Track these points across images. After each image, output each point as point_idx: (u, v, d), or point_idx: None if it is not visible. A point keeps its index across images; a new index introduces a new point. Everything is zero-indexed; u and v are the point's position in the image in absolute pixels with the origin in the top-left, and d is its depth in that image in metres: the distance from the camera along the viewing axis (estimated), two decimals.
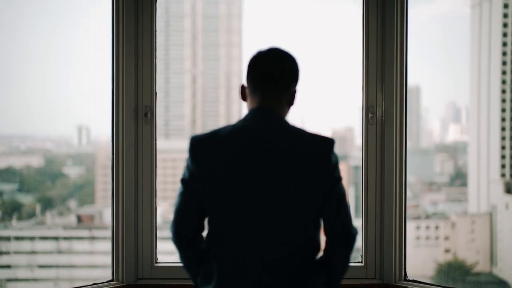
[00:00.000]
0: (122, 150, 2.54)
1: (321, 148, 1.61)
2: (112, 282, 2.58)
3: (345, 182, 1.65)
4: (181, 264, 1.76)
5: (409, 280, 2.59)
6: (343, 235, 1.64)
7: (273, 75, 1.66)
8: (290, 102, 1.72)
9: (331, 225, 1.63)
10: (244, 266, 1.58)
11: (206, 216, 1.66)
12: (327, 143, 1.62)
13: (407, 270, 2.59)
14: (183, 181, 1.65)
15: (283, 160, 1.57)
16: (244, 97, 1.74)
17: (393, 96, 2.55)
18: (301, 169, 1.57)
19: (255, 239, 1.58)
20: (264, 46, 1.78)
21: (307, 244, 1.62)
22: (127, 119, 2.54)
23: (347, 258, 1.68)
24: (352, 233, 1.66)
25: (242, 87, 1.72)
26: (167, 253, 2.65)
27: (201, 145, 1.63)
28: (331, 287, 1.66)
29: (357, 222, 2.67)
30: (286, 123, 1.66)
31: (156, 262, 2.62)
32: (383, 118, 2.57)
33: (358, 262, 2.63)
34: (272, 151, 1.58)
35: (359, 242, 2.51)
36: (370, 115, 2.56)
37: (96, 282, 2.57)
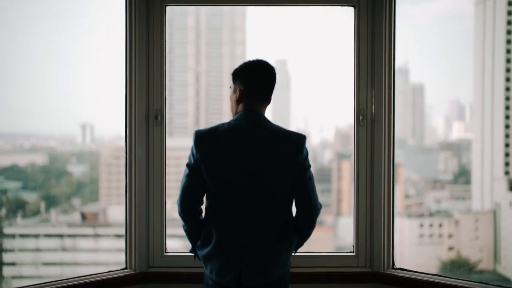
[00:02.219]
0: (134, 150, 2.69)
1: (295, 142, 2.01)
2: (125, 270, 2.75)
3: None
4: (184, 233, 2.12)
5: (396, 268, 2.76)
6: (310, 209, 2.06)
7: (260, 85, 2.06)
8: (268, 104, 2.11)
9: (301, 200, 2.05)
10: (238, 229, 1.97)
11: (205, 192, 2.04)
12: (300, 138, 2.03)
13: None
14: (188, 165, 2.03)
15: (266, 151, 1.98)
16: (241, 100, 2.06)
17: (382, 100, 2.71)
18: (280, 158, 1.98)
19: (246, 211, 1.97)
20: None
21: (286, 214, 2.04)
22: (139, 122, 2.68)
23: (313, 225, 2.10)
24: (317, 207, 2.07)
25: (241, 91, 2.05)
26: (173, 249, 2.76)
27: (203, 138, 2.00)
28: (300, 243, 2.15)
29: (350, 217, 2.80)
30: (269, 122, 2.05)
31: (166, 252, 2.78)
32: (373, 120, 2.68)
33: (350, 252, 2.79)
34: (258, 145, 1.98)
35: (351, 233, 2.77)
36: (361, 117, 2.73)
37: (112, 270, 2.71)
